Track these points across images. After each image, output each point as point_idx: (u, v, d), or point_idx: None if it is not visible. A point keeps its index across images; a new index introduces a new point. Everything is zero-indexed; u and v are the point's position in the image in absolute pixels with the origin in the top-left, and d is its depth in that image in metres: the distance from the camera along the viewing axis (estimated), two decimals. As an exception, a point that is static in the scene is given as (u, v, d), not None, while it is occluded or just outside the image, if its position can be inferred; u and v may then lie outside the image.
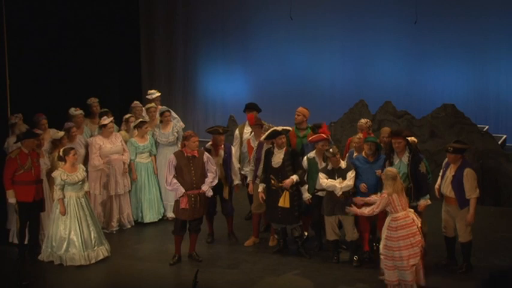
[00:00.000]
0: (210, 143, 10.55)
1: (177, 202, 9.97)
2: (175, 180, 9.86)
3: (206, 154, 10.06)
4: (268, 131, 10.20)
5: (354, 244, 9.89)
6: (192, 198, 9.87)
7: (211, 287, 9.31)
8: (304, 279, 9.59)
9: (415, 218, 8.92)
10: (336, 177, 9.64)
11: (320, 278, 9.58)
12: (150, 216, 11.63)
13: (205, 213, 10.55)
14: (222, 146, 10.49)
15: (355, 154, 10.06)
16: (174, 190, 9.97)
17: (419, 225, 8.93)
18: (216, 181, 10.09)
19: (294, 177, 9.92)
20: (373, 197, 9.21)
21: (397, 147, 9.47)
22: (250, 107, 11.27)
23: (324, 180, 9.67)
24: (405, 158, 9.42)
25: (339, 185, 9.57)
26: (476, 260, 9.85)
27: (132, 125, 11.68)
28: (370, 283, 9.33)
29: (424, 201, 9.31)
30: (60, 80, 13.50)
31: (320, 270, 9.79)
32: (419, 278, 8.91)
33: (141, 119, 11.64)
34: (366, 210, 9.06)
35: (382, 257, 8.95)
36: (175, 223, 10.14)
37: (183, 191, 9.81)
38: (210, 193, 10.01)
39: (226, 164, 10.46)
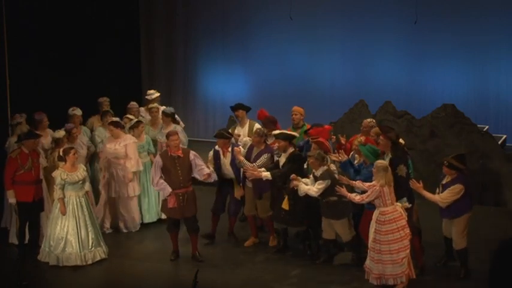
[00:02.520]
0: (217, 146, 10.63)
1: (164, 201, 10.05)
2: (161, 181, 9.90)
3: (192, 152, 10.07)
4: (278, 132, 10.22)
5: (349, 244, 9.89)
6: (180, 197, 9.89)
7: (211, 287, 9.31)
8: (304, 279, 9.59)
9: (402, 211, 8.99)
10: (313, 181, 9.64)
11: (320, 277, 9.58)
12: (149, 217, 11.61)
13: (212, 212, 10.57)
14: (229, 148, 10.50)
15: (356, 158, 10.00)
16: (161, 190, 10.07)
17: (407, 218, 8.99)
18: (209, 171, 10.08)
19: (264, 172, 9.88)
20: (358, 183, 9.17)
21: (378, 144, 9.49)
22: (242, 107, 11.35)
23: (302, 181, 9.69)
24: (387, 158, 9.41)
25: (302, 187, 9.56)
26: (475, 261, 9.84)
27: (127, 125, 11.65)
28: (370, 283, 9.32)
29: (400, 205, 9.21)
30: (60, 80, 13.52)
31: (320, 270, 9.79)
32: (410, 271, 8.98)
33: (137, 119, 11.61)
34: (356, 197, 9.10)
35: (369, 248, 9.04)
36: (168, 221, 10.23)
37: (170, 190, 9.86)
38: (214, 175, 10.11)
39: (234, 165, 10.46)
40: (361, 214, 9.64)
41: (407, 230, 8.96)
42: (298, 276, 9.68)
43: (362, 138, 10.00)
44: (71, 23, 13.92)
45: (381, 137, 9.46)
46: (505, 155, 12.61)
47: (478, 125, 13.01)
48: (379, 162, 9.05)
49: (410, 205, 9.22)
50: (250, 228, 10.69)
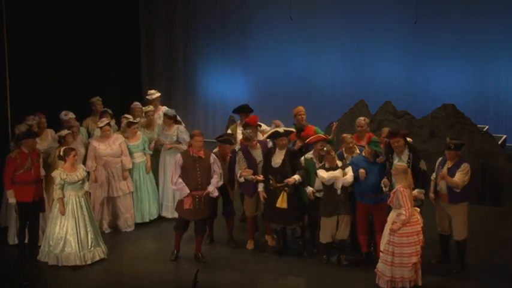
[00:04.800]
0: (216, 149, 10.52)
1: (180, 201, 9.96)
2: (180, 180, 9.85)
3: (213, 155, 10.05)
4: (270, 131, 10.25)
5: (343, 243, 9.90)
6: (196, 199, 9.86)
7: (211, 287, 9.30)
8: (303, 279, 9.59)
9: (419, 217, 8.96)
10: None
11: (320, 278, 9.58)
12: (142, 217, 11.57)
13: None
14: (230, 153, 10.49)
15: (345, 155, 10.06)
16: (179, 190, 9.98)
17: (422, 224, 8.97)
18: (221, 182, 10.10)
19: (296, 177, 9.91)
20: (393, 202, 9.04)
21: (396, 146, 9.50)
22: (247, 110, 11.33)
23: (324, 174, 9.64)
24: (405, 156, 9.43)
25: (340, 174, 9.58)
26: (475, 260, 9.85)
27: (122, 124, 11.64)
28: (369, 283, 9.33)
29: (418, 192, 9.26)
30: (60, 80, 13.52)
31: (320, 270, 9.79)
32: (417, 277, 8.95)
33: (130, 120, 11.57)
34: (403, 217, 8.83)
35: (382, 250, 9.01)
36: (178, 220, 10.14)
37: (188, 191, 9.81)
38: (215, 193, 10.00)
39: (231, 168, 10.45)
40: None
41: (421, 236, 8.92)
42: (298, 276, 9.68)
43: (350, 136, 10.15)
44: (71, 23, 13.91)
45: (395, 140, 9.46)
46: (505, 155, 12.61)
47: (478, 125, 13.01)
48: (399, 164, 9.05)
49: (423, 197, 9.32)
50: (248, 229, 10.64)
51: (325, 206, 9.78)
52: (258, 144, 10.37)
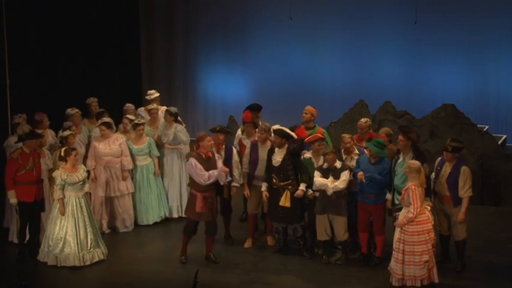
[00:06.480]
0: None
1: (192, 205, 9.84)
2: (206, 172, 9.67)
3: (216, 153, 10.03)
4: (277, 128, 10.21)
5: (343, 244, 9.91)
6: (209, 200, 9.82)
7: (211, 287, 9.30)
8: (304, 279, 9.59)
9: (430, 215, 8.96)
10: (330, 177, 9.67)
11: (320, 277, 9.58)
12: (146, 219, 11.54)
13: None
14: (223, 146, 10.46)
15: (344, 156, 10.05)
16: (215, 177, 9.72)
17: (433, 222, 8.97)
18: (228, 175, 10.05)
19: (302, 186, 9.91)
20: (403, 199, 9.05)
21: (398, 143, 9.52)
22: (257, 107, 11.31)
23: (317, 179, 9.70)
24: (409, 157, 9.43)
25: (330, 185, 9.61)
26: (475, 260, 9.86)
27: (128, 127, 11.59)
28: (370, 283, 9.33)
29: (425, 203, 9.28)
30: (60, 80, 13.52)
31: (320, 270, 9.80)
32: (433, 276, 8.95)
33: (136, 121, 11.55)
34: (410, 215, 8.84)
35: (394, 248, 9.00)
36: (188, 223, 10.03)
37: (217, 170, 9.68)
38: (223, 173, 9.85)
39: (226, 164, 10.41)
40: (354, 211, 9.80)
41: (432, 235, 8.92)
42: (298, 276, 9.68)
43: (348, 136, 10.12)
44: (71, 23, 13.91)
45: (401, 137, 9.47)
46: (505, 155, 12.62)
47: (478, 125, 13.02)
48: (412, 162, 9.02)
49: (432, 205, 9.28)
50: (249, 228, 10.65)
51: (319, 204, 9.84)
52: (270, 142, 10.33)
